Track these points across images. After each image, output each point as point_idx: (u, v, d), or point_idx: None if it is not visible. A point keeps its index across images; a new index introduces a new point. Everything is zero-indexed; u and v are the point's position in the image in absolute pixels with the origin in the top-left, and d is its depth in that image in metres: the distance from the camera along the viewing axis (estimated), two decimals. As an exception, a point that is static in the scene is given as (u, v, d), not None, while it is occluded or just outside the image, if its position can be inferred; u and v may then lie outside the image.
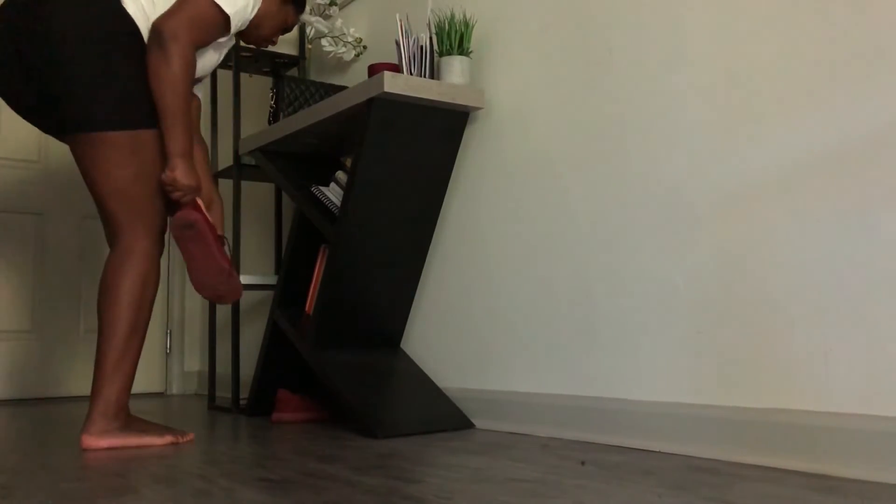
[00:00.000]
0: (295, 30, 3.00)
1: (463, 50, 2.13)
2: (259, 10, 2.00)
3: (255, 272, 3.12)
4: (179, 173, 1.81)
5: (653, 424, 1.65)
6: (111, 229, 1.87)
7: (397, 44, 2.17)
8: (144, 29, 1.80)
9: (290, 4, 2.11)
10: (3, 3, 1.78)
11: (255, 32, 2.07)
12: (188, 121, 1.83)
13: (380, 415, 1.99)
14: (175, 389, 3.63)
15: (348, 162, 2.55)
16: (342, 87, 2.48)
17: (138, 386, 3.48)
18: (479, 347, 2.14)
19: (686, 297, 1.63)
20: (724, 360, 1.55)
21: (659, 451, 1.62)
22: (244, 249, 3.15)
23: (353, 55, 2.69)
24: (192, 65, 1.81)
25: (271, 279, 2.72)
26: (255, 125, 3.03)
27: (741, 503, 1.15)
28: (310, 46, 2.95)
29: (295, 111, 2.44)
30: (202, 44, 1.86)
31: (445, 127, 2.16)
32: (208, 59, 1.96)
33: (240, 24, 1.93)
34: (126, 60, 1.77)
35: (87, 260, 3.38)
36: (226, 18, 1.86)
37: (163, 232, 1.92)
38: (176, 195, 1.85)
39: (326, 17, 2.68)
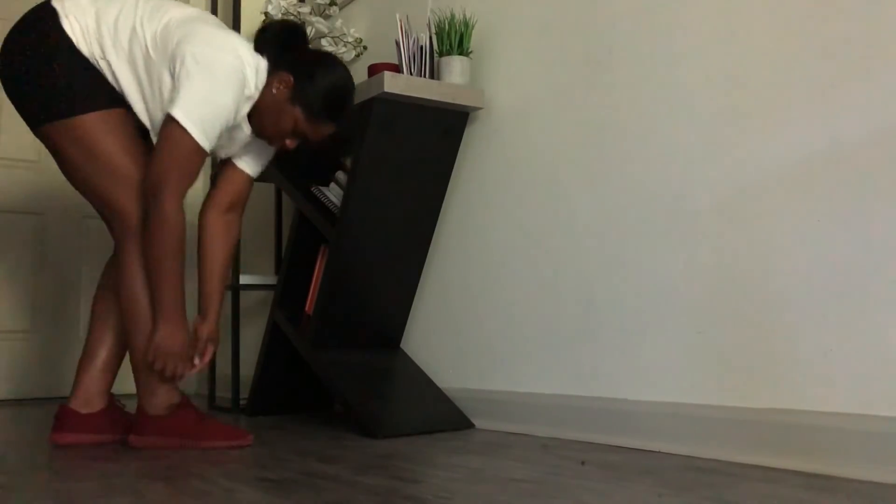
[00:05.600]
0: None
1: (463, 50, 2.13)
2: (260, 98, 1.82)
3: (255, 272, 3.12)
4: (159, 339, 1.76)
5: (653, 424, 1.65)
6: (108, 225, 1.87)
7: (397, 44, 2.17)
8: (83, 44, 1.77)
9: (299, 106, 1.80)
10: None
11: (257, 127, 1.86)
12: (179, 281, 1.77)
13: (380, 415, 1.99)
14: (175, 389, 3.62)
15: (348, 162, 2.55)
16: (342, 87, 2.48)
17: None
18: (479, 347, 2.14)
19: (686, 297, 1.63)
20: (724, 360, 1.55)
21: (659, 451, 1.62)
22: (244, 249, 3.14)
23: (353, 55, 2.69)
24: (176, 223, 1.73)
25: (271, 279, 2.72)
26: (255, 125, 3.03)
27: (741, 503, 1.15)
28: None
29: (295, 111, 2.43)
30: (191, 181, 1.76)
31: (445, 127, 2.16)
32: (236, 139, 1.88)
33: (218, 132, 1.75)
34: (51, 60, 1.76)
35: (87, 260, 3.38)
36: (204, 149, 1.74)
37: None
38: (157, 368, 1.79)
39: (326, 17, 2.68)
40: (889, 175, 1.33)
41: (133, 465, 1.58)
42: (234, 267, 2.69)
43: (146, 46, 1.75)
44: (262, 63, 1.81)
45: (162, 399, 1.82)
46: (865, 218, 1.35)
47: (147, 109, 1.81)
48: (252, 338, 3.10)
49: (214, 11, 3.05)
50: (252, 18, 2.89)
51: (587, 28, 1.90)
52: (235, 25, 2.78)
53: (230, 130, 1.84)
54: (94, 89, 1.77)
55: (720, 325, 1.56)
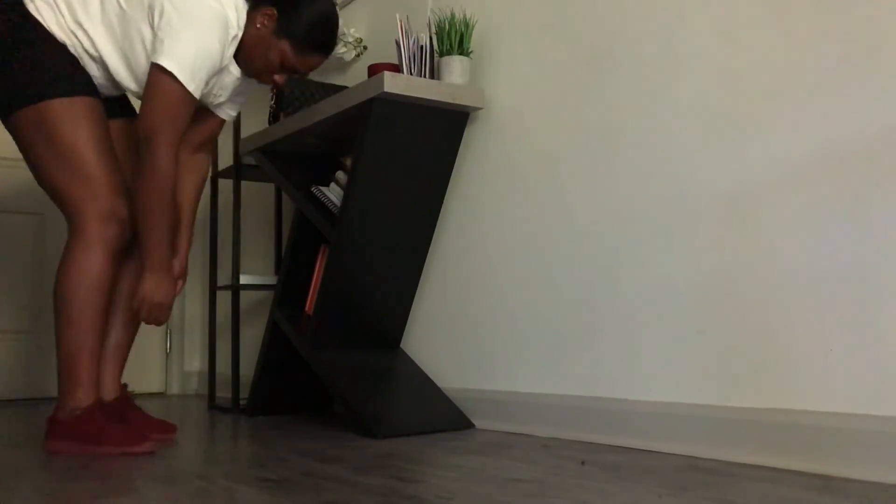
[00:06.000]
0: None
1: (463, 50, 2.13)
2: (244, 36, 1.81)
3: (255, 272, 3.12)
4: (147, 289, 1.77)
5: (653, 424, 1.65)
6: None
7: (397, 44, 2.17)
8: (54, 24, 1.75)
9: (285, 39, 1.80)
10: None
11: (246, 64, 1.86)
12: (167, 231, 1.77)
13: (380, 415, 1.99)
14: (175, 389, 3.63)
15: (348, 162, 2.55)
16: (342, 87, 2.48)
17: (139, 386, 3.48)
18: (479, 347, 2.14)
19: (686, 297, 1.63)
20: (724, 360, 1.54)
21: (659, 451, 1.62)
22: (244, 249, 3.15)
23: (353, 55, 2.69)
24: (169, 173, 1.73)
25: (271, 279, 2.72)
26: (256, 125, 3.03)
27: (741, 503, 1.15)
28: (310, 46, 2.95)
29: (295, 111, 2.44)
30: (182, 128, 1.76)
31: (445, 127, 2.16)
32: (226, 84, 1.87)
33: (205, 77, 1.75)
34: (19, 47, 1.73)
35: (87, 260, 3.37)
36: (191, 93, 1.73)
37: (112, 204, 1.77)
38: (142, 317, 1.81)
39: (326, 17, 2.68)
40: (889, 175, 1.32)
41: (133, 465, 1.58)
42: (234, 267, 2.69)
43: (119, 3, 1.74)
44: (240, 1, 1.80)
45: (67, 403, 1.77)
46: (865, 218, 1.35)
47: (129, 66, 1.79)
48: (252, 338, 3.10)
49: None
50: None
51: (588, 28, 1.90)
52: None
53: (219, 75, 1.83)
54: (63, 75, 1.75)
55: (720, 325, 1.56)
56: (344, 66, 2.79)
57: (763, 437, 1.45)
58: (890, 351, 1.30)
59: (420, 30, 2.23)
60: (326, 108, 2.19)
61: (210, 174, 2.96)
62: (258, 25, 1.80)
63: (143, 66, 1.78)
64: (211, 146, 2.06)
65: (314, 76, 2.96)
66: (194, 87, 1.72)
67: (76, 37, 1.76)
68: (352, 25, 2.74)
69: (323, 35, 1.84)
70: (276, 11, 1.79)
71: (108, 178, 1.77)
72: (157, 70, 1.69)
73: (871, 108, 1.35)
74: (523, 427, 1.95)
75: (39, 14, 1.74)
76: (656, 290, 1.69)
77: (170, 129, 1.72)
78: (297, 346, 2.27)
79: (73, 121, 1.75)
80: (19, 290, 3.24)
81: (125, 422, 1.88)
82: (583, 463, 1.51)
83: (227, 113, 2.01)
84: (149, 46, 1.74)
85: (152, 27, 1.71)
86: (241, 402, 2.65)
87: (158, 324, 1.86)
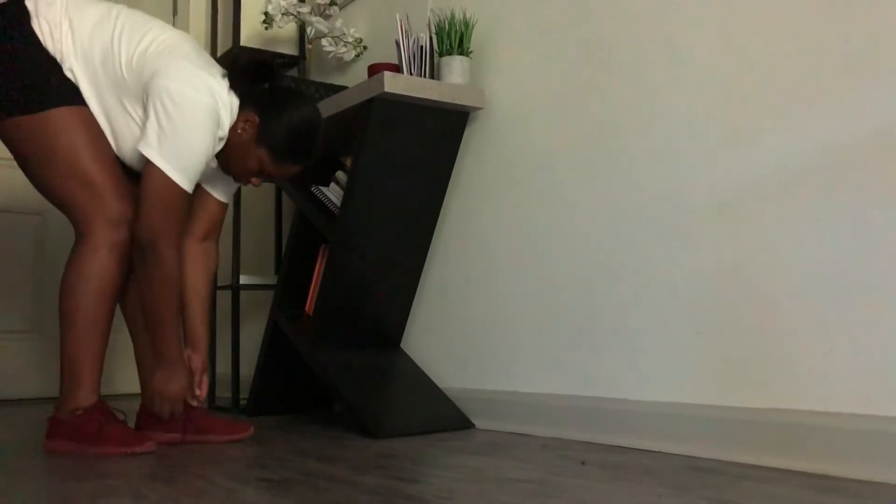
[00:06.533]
0: (294, 29, 3.00)
1: (463, 50, 2.13)
2: (227, 140, 1.80)
3: (255, 272, 3.12)
4: (160, 384, 1.79)
5: (653, 424, 1.65)
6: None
7: (397, 44, 2.17)
8: (49, 42, 1.73)
9: (263, 148, 1.78)
10: None
11: (223, 164, 1.85)
12: (177, 325, 1.78)
13: (380, 415, 1.99)
14: (175, 389, 3.62)
15: (348, 162, 2.55)
16: (342, 87, 2.48)
17: (139, 386, 3.47)
18: (479, 347, 2.14)
19: (686, 297, 1.63)
20: (724, 360, 1.54)
21: (659, 451, 1.62)
22: (244, 249, 3.14)
23: (353, 55, 2.69)
24: (175, 270, 1.73)
25: (271, 279, 2.72)
26: (255, 125, 3.03)
27: (741, 503, 1.15)
28: (310, 46, 2.95)
29: (295, 111, 2.43)
30: (182, 222, 1.79)
31: (445, 127, 2.16)
32: (203, 171, 1.83)
33: (199, 171, 1.75)
34: (15, 57, 1.72)
35: (87, 260, 3.37)
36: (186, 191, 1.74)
37: (119, 209, 1.76)
38: (156, 410, 1.83)
39: (326, 17, 2.68)
40: (888, 175, 1.32)
41: (133, 465, 1.58)
42: (234, 267, 2.69)
43: (120, 67, 1.73)
44: (236, 102, 1.79)
45: (68, 403, 1.77)
46: (865, 218, 1.35)
47: (110, 125, 1.78)
48: (252, 338, 3.09)
49: (215, 13, 3.05)
50: (252, 18, 2.89)
51: (587, 28, 1.90)
52: (236, 25, 2.78)
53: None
54: (57, 87, 1.73)
55: (720, 326, 1.56)
56: (344, 66, 2.79)
57: (763, 437, 1.45)
58: (890, 351, 1.30)
59: (420, 30, 2.23)
60: (326, 108, 2.19)
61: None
62: (239, 130, 1.78)
63: (129, 137, 1.76)
64: (217, 235, 2.03)
65: (315, 76, 2.96)
66: (189, 185, 1.72)
67: (64, 65, 1.75)
68: (352, 25, 2.74)
69: (303, 146, 1.81)
70: (257, 118, 1.77)
71: (111, 182, 1.77)
72: (152, 169, 1.68)
73: (870, 109, 1.35)
74: (523, 427, 1.95)
75: (41, 31, 1.73)
76: (656, 290, 1.69)
77: (171, 229, 1.72)
78: (297, 346, 2.27)
79: (67, 130, 1.73)
80: (19, 290, 3.23)
81: (191, 424, 1.89)
82: (583, 463, 1.51)
83: (227, 196, 2.00)
84: (136, 119, 1.74)
85: (144, 108, 1.70)
86: (241, 402, 2.65)
87: (173, 417, 1.86)
